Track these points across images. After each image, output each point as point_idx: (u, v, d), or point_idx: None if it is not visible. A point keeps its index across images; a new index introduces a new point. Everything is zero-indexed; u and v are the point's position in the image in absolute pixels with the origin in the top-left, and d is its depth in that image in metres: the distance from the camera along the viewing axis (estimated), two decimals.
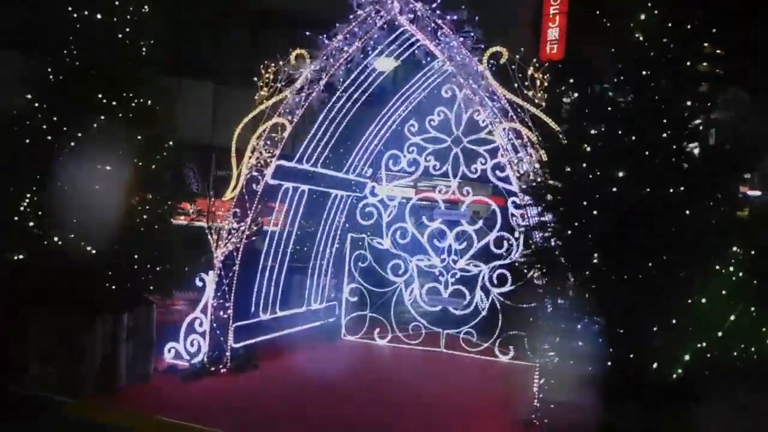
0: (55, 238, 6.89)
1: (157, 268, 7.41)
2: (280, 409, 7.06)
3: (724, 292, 4.91)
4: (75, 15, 7.14)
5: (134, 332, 7.42)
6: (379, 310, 10.58)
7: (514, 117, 7.23)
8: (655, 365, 4.77)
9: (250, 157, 8.31)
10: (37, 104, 6.88)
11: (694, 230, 4.95)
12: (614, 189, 5.12)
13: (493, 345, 9.71)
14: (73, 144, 6.88)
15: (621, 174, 5.06)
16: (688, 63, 5.43)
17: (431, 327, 10.22)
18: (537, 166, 7.02)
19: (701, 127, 5.42)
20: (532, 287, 9.52)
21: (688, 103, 5.42)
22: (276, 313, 9.46)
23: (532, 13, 21.60)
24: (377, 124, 9.91)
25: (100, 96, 6.91)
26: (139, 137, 7.08)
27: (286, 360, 9.13)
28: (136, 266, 7.24)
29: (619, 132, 5.32)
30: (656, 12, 5.37)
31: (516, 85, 7.23)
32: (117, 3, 7.22)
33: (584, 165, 5.38)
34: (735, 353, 4.83)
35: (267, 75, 8.29)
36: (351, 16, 7.86)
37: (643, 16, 5.34)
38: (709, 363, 4.80)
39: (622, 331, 4.96)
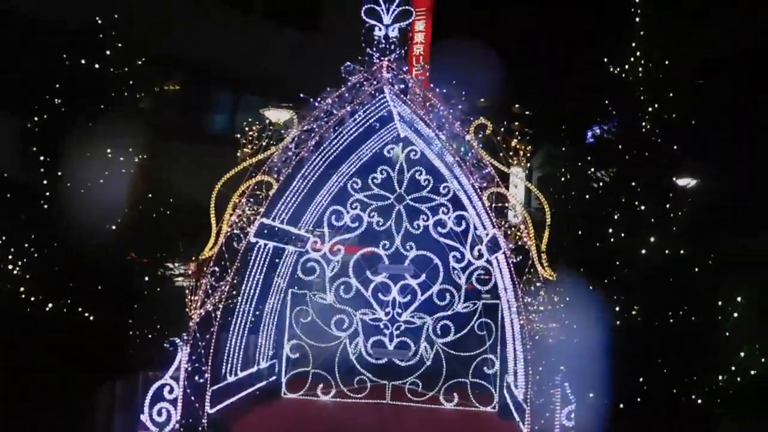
0: (49, 305, 6.27)
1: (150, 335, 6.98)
2: None
3: (727, 333, 6.02)
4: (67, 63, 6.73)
5: (125, 401, 6.90)
6: (321, 365, 10.63)
7: (500, 182, 8.02)
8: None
9: (231, 215, 8.17)
10: (41, 159, 6.31)
11: (704, 284, 6.03)
12: (643, 251, 6.05)
13: (438, 393, 10.24)
14: (76, 202, 6.37)
15: (653, 239, 6.01)
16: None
17: (376, 379, 10.47)
18: (523, 227, 7.84)
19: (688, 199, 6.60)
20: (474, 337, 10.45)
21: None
22: (238, 375, 9.17)
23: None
24: (331, 182, 10.16)
25: (108, 151, 6.52)
26: (149, 194, 6.75)
27: (251, 422, 8.87)
28: (136, 332, 6.77)
29: (636, 203, 6.31)
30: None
31: (501, 154, 8.05)
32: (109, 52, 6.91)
33: (610, 230, 6.27)
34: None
35: (251, 132, 8.28)
36: (349, 84, 8.20)
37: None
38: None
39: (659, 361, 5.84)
